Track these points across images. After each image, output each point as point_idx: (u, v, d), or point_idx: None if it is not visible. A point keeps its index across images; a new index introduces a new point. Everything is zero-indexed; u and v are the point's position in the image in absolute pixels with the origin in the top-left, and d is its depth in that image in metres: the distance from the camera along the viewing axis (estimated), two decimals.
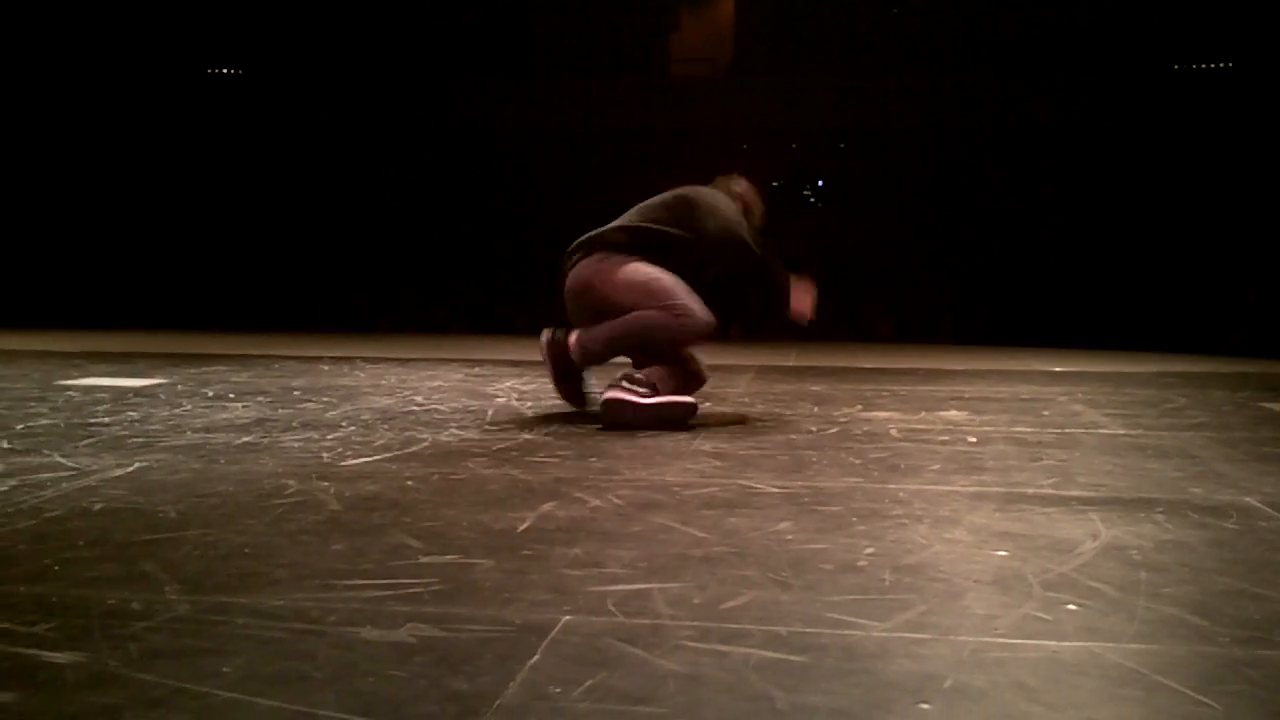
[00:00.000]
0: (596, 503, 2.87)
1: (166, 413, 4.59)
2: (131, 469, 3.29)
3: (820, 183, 13.06)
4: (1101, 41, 11.27)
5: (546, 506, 2.81)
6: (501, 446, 3.82)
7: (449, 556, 2.33)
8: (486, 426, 4.32)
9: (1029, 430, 4.31)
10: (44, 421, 4.29)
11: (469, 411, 4.76)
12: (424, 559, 2.31)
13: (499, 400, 5.18)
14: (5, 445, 3.71)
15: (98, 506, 2.78)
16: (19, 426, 4.14)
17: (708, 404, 5.13)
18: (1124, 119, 11.38)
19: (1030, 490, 3.09)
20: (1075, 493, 3.06)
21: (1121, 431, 4.33)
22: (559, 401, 5.12)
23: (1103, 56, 11.31)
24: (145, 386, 5.58)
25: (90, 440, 3.83)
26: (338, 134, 12.92)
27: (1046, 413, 4.88)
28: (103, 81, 12.79)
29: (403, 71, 12.65)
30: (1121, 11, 11.11)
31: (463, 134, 12.53)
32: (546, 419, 4.54)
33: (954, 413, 4.84)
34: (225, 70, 13.64)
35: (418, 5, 12.46)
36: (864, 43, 11.67)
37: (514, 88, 12.37)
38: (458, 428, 4.27)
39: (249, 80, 13.58)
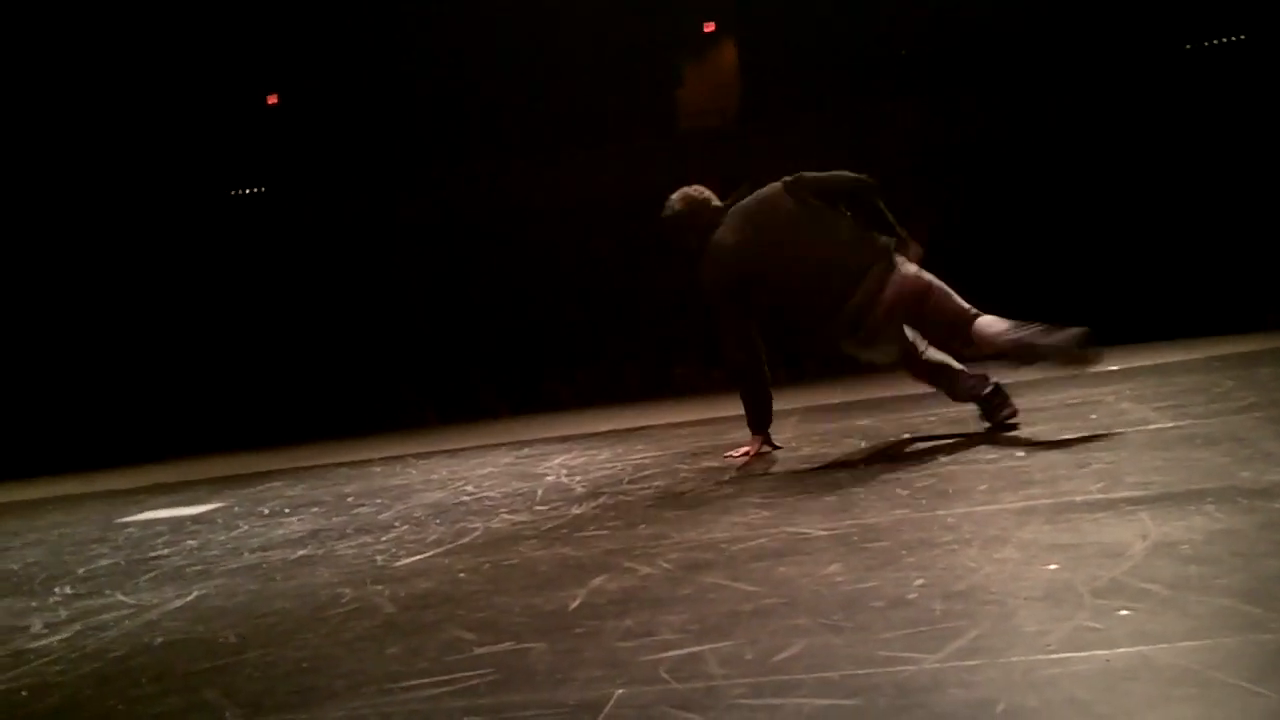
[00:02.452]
0: (647, 570, 2.88)
1: (224, 537, 4.65)
2: (191, 598, 3.34)
3: None
4: (1110, 27, 11.26)
5: (597, 581, 2.83)
6: (551, 526, 3.84)
7: (503, 644, 2.35)
8: (536, 507, 4.34)
9: (1076, 436, 4.27)
10: (105, 561, 4.36)
11: (519, 494, 4.79)
12: (478, 650, 2.33)
13: (548, 479, 5.20)
14: (69, 590, 3.78)
15: (159, 640, 2.82)
16: (80, 570, 4.21)
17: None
18: (1141, 104, 11.34)
19: (1079, 498, 3.07)
20: (1124, 494, 3.03)
21: (1169, 424, 4.29)
22: (606, 473, 5.15)
23: (1112, 43, 11.30)
24: (203, 513, 5.66)
25: (150, 574, 3.89)
26: (360, 235, 13.10)
27: (1094, 415, 4.84)
28: (131, 211, 13.06)
29: (417, 159, 12.83)
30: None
31: (484, 215, 12.68)
32: (595, 493, 4.55)
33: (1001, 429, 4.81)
34: (249, 190, 13.89)
35: (425, 91, 12.66)
36: (866, 82, 11.72)
37: (528, 165, 12.52)
38: (508, 512, 4.30)
39: (272, 197, 13.82)
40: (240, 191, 14.04)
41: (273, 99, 13.55)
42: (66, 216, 12.83)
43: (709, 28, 12.53)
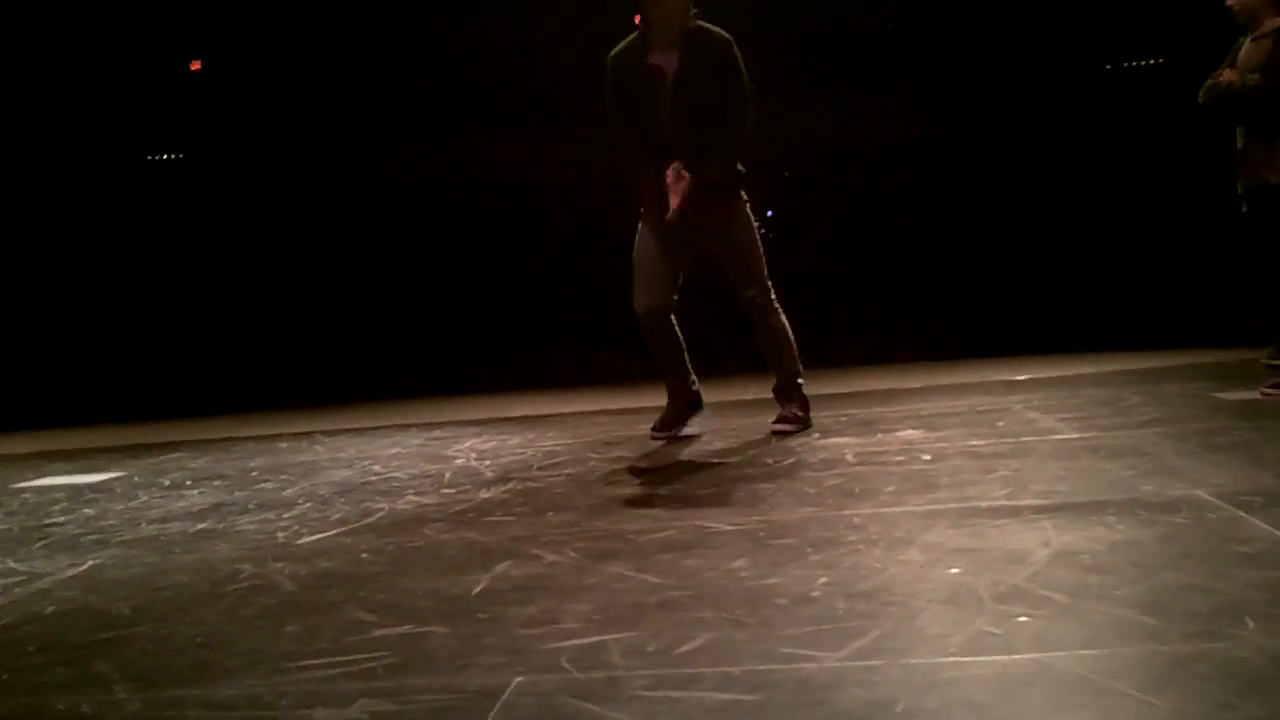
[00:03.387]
0: (553, 558, 2.87)
1: (122, 506, 4.55)
2: (85, 568, 3.26)
3: (770, 213, 13.09)
4: (1032, 46, 11.40)
5: (502, 566, 2.81)
6: (459, 509, 3.81)
7: (403, 627, 2.32)
8: (444, 490, 4.30)
9: (984, 443, 4.32)
10: None
11: (426, 476, 4.74)
12: (378, 632, 2.30)
13: (458, 462, 5.16)
14: None
15: (50, 609, 2.75)
16: None
17: (664, 445, 5.13)
18: (1059, 121, 11.50)
19: (983, 504, 3.11)
20: (1028, 501, 3.08)
21: (1075, 435, 4.36)
22: (517, 458, 5.12)
23: (1035, 61, 11.43)
24: (101, 481, 5.53)
25: (44, 542, 3.80)
26: (281, 207, 12.90)
27: (1001, 423, 4.91)
28: (44, 172, 12.75)
29: (351, 139, 12.66)
30: (1051, 16, 11.26)
31: (413, 189, 12.54)
32: (504, 478, 4.52)
33: (910, 431, 4.85)
34: (167, 155, 13.60)
35: (351, 72, 12.49)
36: (796, 66, 11.75)
37: (477, 142, 12.38)
38: (415, 494, 4.25)
39: (191, 163, 13.55)
40: (158, 157, 13.71)
41: (196, 65, 13.26)
42: None
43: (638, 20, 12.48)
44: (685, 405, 5.36)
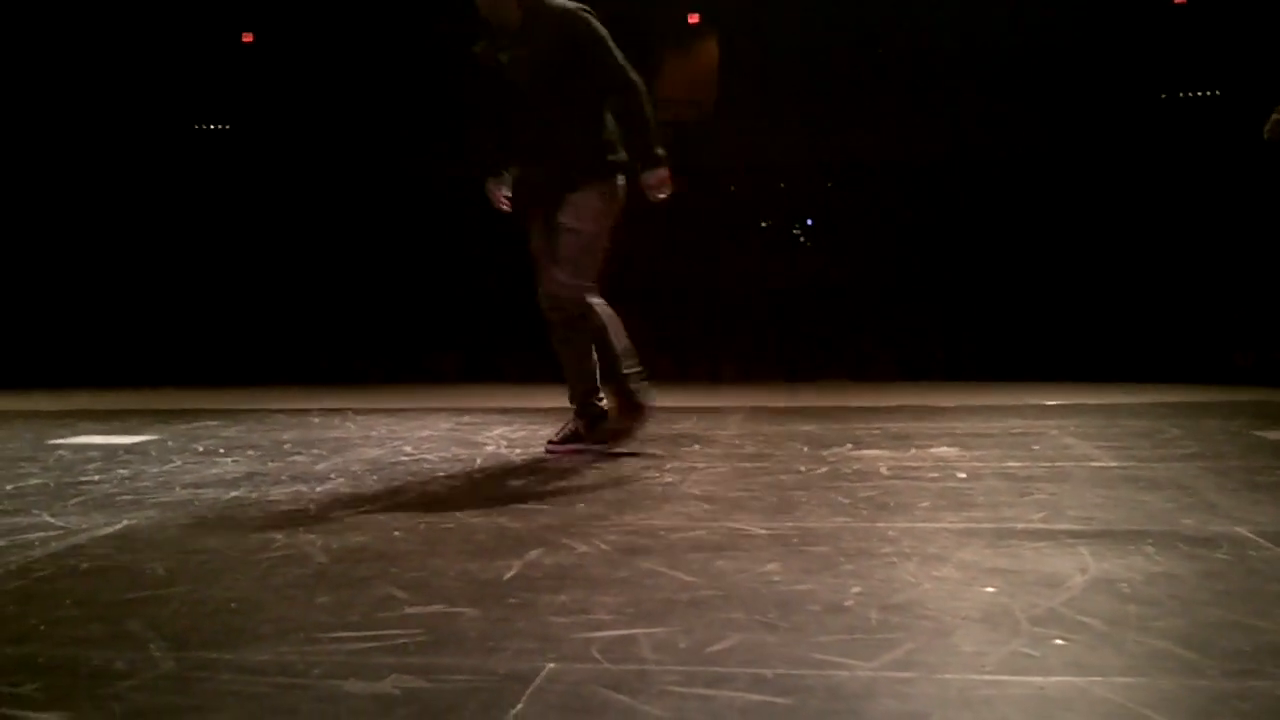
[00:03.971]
0: (584, 549, 2.86)
1: (156, 470, 4.58)
2: (120, 527, 3.28)
3: (810, 221, 13.07)
4: (1086, 70, 11.33)
5: (533, 554, 2.81)
6: (489, 495, 3.81)
7: (434, 606, 2.32)
8: (475, 475, 4.31)
9: (1020, 465, 4.30)
10: (34, 481, 4.28)
11: (458, 460, 4.75)
12: (409, 609, 2.30)
13: (488, 448, 5.17)
14: None
15: (85, 566, 2.77)
16: (9, 487, 4.13)
17: (696, 445, 5.12)
18: (1110, 147, 11.44)
19: (1020, 525, 3.09)
20: (1065, 526, 3.06)
21: (1113, 464, 4.33)
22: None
23: (1087, 85, 11.37)
24: (136, 444, 5.57)
25: (80, 499, 3.82)
26: (327, 185, 12.96)
27: (1037, 447, 4.88)
28: (87, 137, 12.83)
29: (393, 122, 12.71)
30: (1108, 41, 11.19)
31: (445, 182, 12.58)
32: (534, 467, 4.53)
33: (945, 449, 4.84)
34: (213, 126, 13.68)
35: (401, 62, 12.52)
36: (848, 79, 11.72)
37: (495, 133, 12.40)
38: (446, 477, 4.26)
39: (237, 135, 13.63)
40: (205, 126, 13.80)
41: (248, 37, 13.34)
42: (26, 137, 12.60)
43: (693, 19, 12.47)
44: (586, 418, 4.95)
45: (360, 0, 12.50)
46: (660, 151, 4.74)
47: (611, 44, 4.70)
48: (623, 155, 4.82)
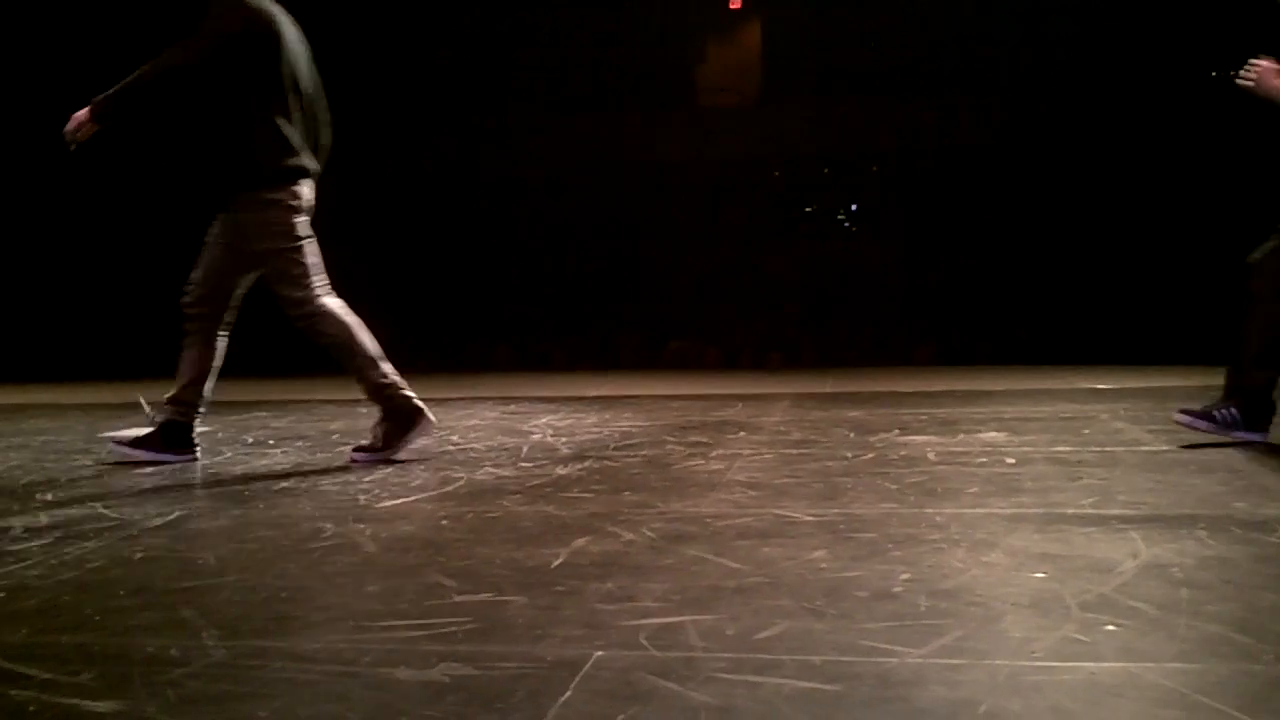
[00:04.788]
0: (630, 536, 2.87)
1: (207, 460, 4.64)
2: (172, 517, 3.32)
3: (854, 207, 13.03)
4: (1136, 52, 11.21)
5: (580, 541, 2.82)
6: (536, 483, 3.83)
7: (483, 594, 2.33)
8: (521, 464, 4.33)
9: (1069, 449, 4.27)
10: (87, 472, 4.34)
11: (504, 449, 4.77)
12: (458, 598, 2.31)
13: (534, 437, 5.19)
14: (50, 497, 3.76)
15: (138, 555, 2.80)
16: (63, 478, 4.19)
17: (742, 432, 5.11)
18: (1154, 128, 11.31)
19: (1069, 510, 3.07)
20: (1115, 511, 3.03)
21: (1164, 447, 4.29)
22: (593, 437, 5.13)
23: (1136, 68, 11.25)
24: None
25: (133, 490, 3.87)
26: (372, 174, 13.03)
27: (1087, 431, 4.84)
28: (134, 130, 12.96)
29: (432, 109, 12.76)
30: (1152, 15, 11.06)
31: (493, 171, 12.62)
32: (580, 455, 4.54)
33: (993, 434, 4.81)
34: None
35: (445, 44, 12.57)
36: (891, 65, 11.66)
37: (543, 124, 12.44)
38: (493, 466, 4.28)
39: None
40: None
41: None
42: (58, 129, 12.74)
43: (735, 5, 12.44)
44: (392, 419, 4.55)
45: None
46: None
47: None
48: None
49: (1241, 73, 4.46)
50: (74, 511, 3.46)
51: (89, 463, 4.65)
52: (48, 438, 5.69)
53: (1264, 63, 4.32)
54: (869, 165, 12.68)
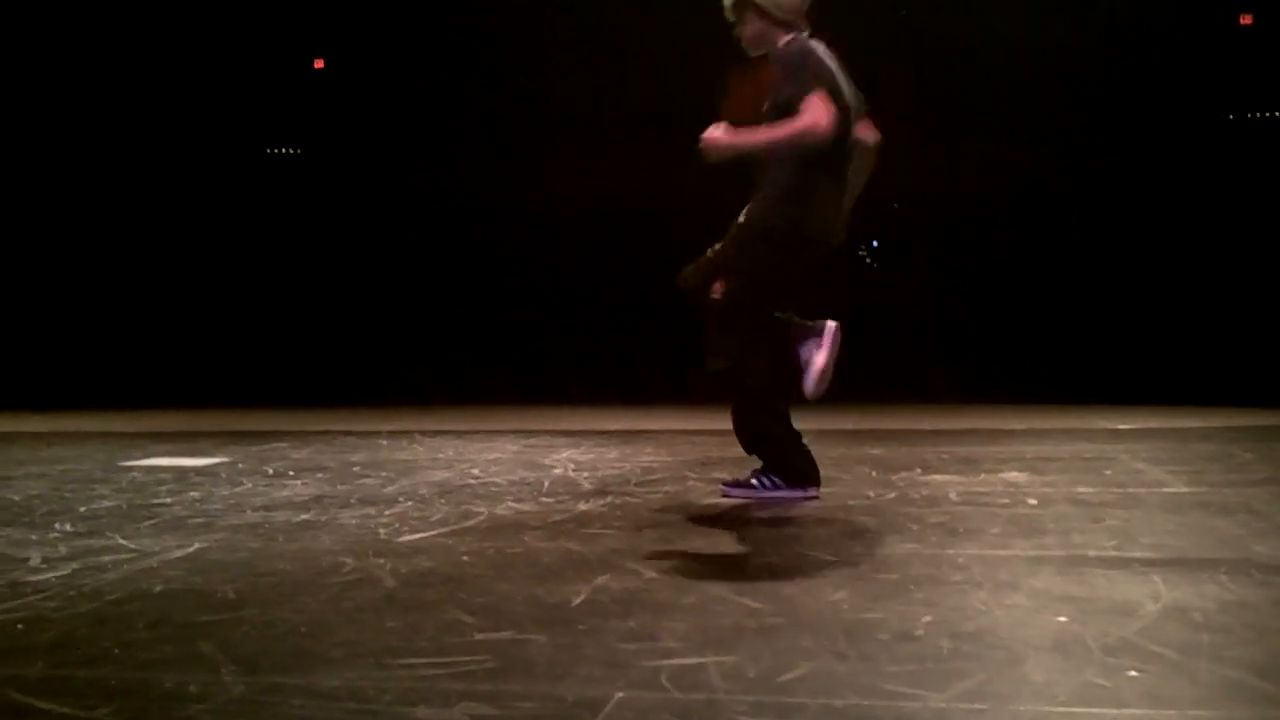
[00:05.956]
0: (651, 574, 2.86)
1: (227, 492, 4.64)
2: (191, 549, 3.32)
3: (875, 243, 13.02)
4: (1153, 92, 11.21)
5: (601, 579, 2.81)
6: (557, 519, 3.82)
7: (503, 632, 2.33)
8: (542, 499, 4.32)
9: (1090, 490, 4.25)
10: (107, 503, 4.35)
11: (525, 484, 4.77)
12: (478, 635, 2.31)
13: (555, 472, 5.19)
14: (69, 528, 3.77)
15: (158, 588, 2.81)
16: (82, 509, 4.20)
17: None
18: (1179, 168, 11.30)
19: (1091, 552, 3.05)
20: (1137, 554, 3.01)
21: (1185, 489, 4.26)
22: (614, 472, 5.13)
23: (1155, 107, 11.24)
24: (207, 466, 5.64)
25: (152, 521, 3.88)
26: (397, 208, 13.11)
27: (1109, 472, 4.82)
28: (165, 161, 13.08)
29: (459, 146, 12.83)
30: (1175, 61, 11.06)
31: (518, 198, 12.67)
32: (602, 490, 4.54)
33: (1014, 474, 4.79)
34: (284, 150, 13.90)
35: (470, 84, 12.65)
36: (912, 102, 11.67)
37: (566, 156, 12.48)
38: (514, 500, 4.28)
39: (308, 159, 13.83)
40: (276, 150, 14.02)
41: (319, 64, 13.55)
42: (100, 156, 12.87)
43: None
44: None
45: (429, 29, 12.63)
46: None
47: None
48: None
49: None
50: (92, 542, 3.46)
51: (108, 492, 4.66)
52: (66, 466, 5.71)
53: (712, 133, 4.24)
54: (890, 203, 12.67)
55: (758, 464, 4.32)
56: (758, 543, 3.28)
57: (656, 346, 12.35)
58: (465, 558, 3.14)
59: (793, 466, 4.24)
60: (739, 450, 4.37)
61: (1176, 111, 11.25)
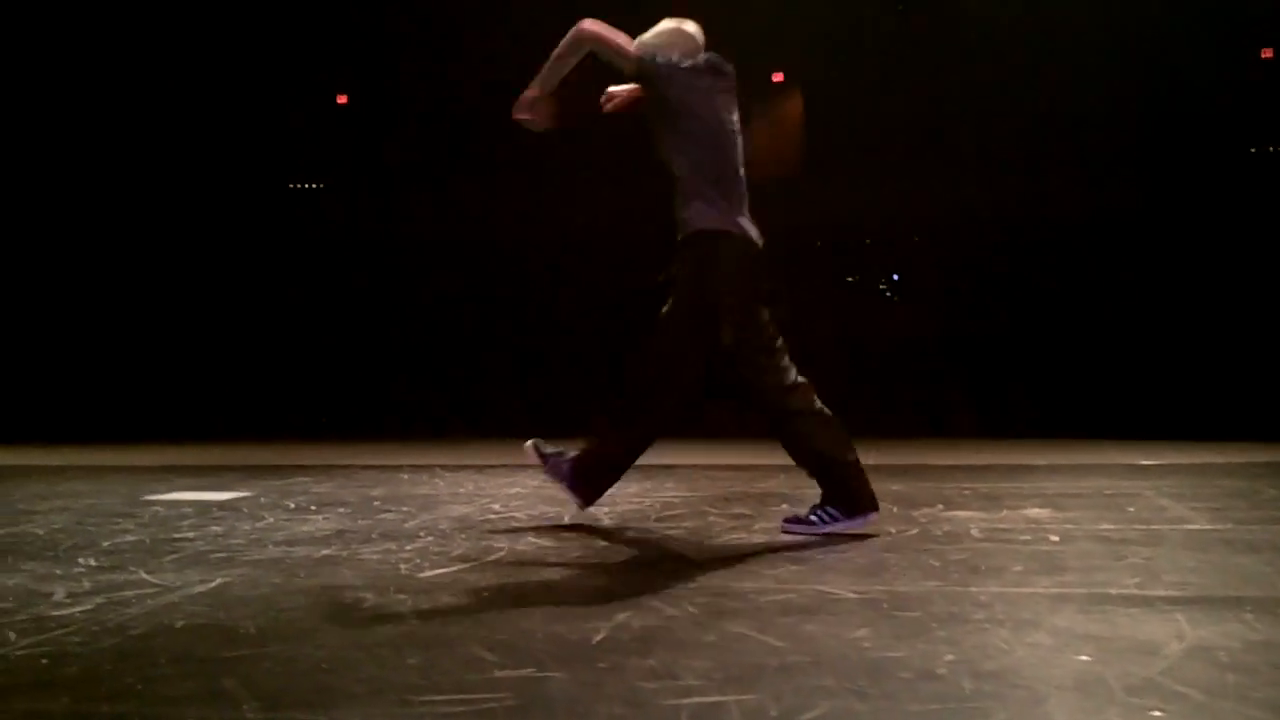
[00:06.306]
0: (672, 611, 2.86)
1: (249, 526, 4.66)
2: (214, 584, 3.33)
3: (896, 277, 13.02)
4: (1177, 124, 11.20)
5: (622, 616, 2.81)
6: (578, 554, 3.82)
7: (524, 670, 2.33)
8: (563, 534, 4.33)
9: (1113, 527, 4.23)
10: (130, 538, 4.36)
11: (545, 519, 4.77)
12: (498, 672, 2.31)
13: (575, 507, 5.18)
14: (92, 562, 3.78)
15: (180, 623, 2.82)
16: (105, 543, 4.21)
17: (784, 505, 5.09)
18: (1200, 201, 11.28)
19: (1114, 590, 3.03)
20: (1160, 592, 3.00)
21: (1209, 526, 4.24)
22: (634, 507, 5.13)
23: (1178, 139, 11.23)
24: (229, 500, 5.66)
25: (174, 556, 3.90)
26: (419, 243, 13.17)
27: (1131, 508, 4.79)
28: (188, 195, 13.19)
29: (481, 177, 12.90)
30: (1196, 94, 11.06)
31: (534, 238, 12.72)
32: (622, 527, 4.54)
33: (1036, 510, 4.77)
34: (307, 185, 13.99)
35: (492, 114, 12.71)
36: (933, 135, 11.70)
37: (585, 188, 12.53)
38: (534, 536, 4.28)
39: (330, 193, 13.92)
40: (299, 185, 14.12)
41: (342, 99, 13.67)
42: (121, 188, 13.00)
43: (778, 78, 12.54)
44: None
45: (453, 64, 12.71)
46: None
47: None
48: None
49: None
50: (115, 576, 3.48)
51: (130, 526, 4.68)
52: (89, 500, 5.73)
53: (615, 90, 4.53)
54: (911, 236, 12.67)
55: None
56: (779, 580, 3.28)
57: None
58: (486, 593, 3.14)
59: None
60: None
61: (1198, 144, 11.24)
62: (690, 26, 4.57)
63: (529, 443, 4.55)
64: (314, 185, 14.11)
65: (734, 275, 4.20)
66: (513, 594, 3.13)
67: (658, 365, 4.27)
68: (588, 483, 4.42)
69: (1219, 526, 4.22)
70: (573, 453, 4.43)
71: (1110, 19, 11.13)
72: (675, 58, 4.32)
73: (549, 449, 4.50)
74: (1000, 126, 11.62)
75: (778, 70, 12.69)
